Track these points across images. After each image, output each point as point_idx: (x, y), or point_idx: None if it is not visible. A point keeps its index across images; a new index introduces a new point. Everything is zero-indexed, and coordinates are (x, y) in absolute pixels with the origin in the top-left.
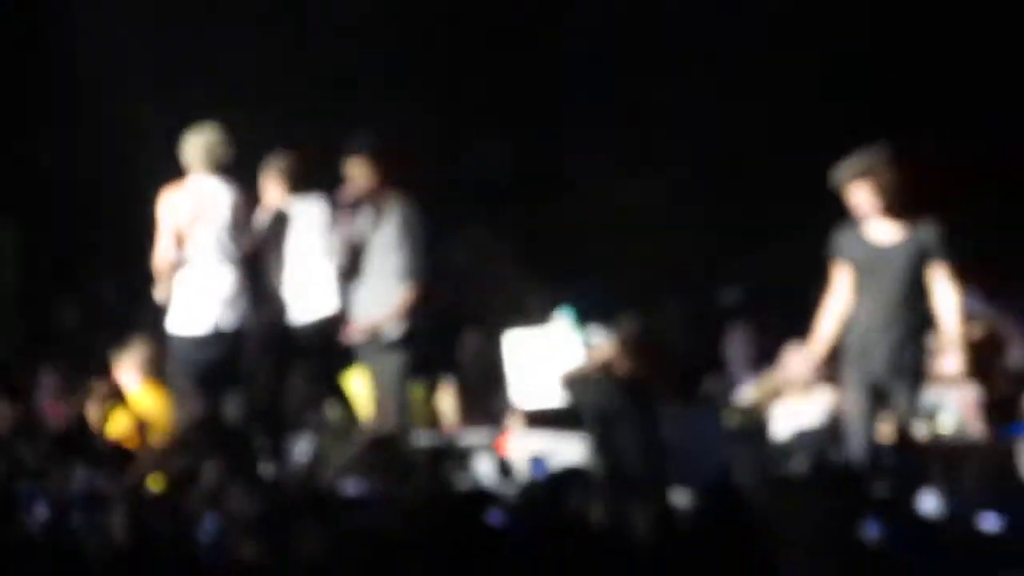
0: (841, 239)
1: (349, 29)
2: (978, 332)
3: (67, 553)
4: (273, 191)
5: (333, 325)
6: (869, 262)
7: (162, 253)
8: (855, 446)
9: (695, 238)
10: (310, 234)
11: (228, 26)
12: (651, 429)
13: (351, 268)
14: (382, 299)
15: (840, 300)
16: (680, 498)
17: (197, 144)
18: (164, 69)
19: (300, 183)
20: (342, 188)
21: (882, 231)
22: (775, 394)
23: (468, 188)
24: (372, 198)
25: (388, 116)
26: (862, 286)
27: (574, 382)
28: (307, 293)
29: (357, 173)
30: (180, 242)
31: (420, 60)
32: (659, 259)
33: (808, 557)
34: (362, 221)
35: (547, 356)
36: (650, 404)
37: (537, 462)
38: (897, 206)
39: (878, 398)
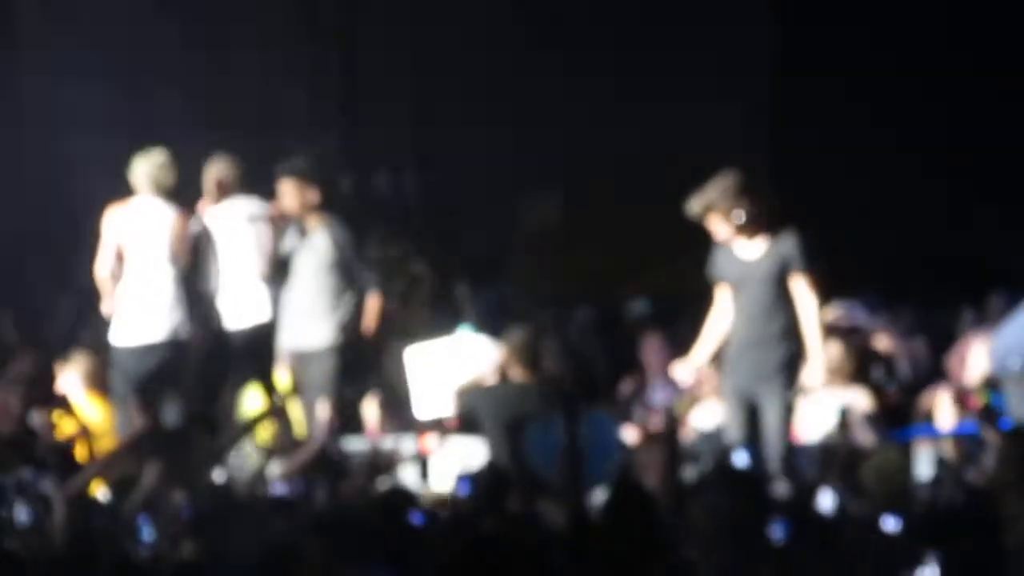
0: (717, 258)
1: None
2: (881, 342)
3: (7, 554)
4: (212, 194)
5: (267, 331)
6: (738, 278)
7: (101, 266)
8: (740, 452)
9: (603, 253)
10: (245, 240)
11: (160, 55)
12: (551, 431)
13: (273, 280)
14: (318, 315)
15: (720, 316)
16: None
17: (143, 167)
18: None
19: (236, 189)
20: (270, 203)
21: (748, 248)
22: (693, 402)
23: (377, 209)
24: (298, 217)
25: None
26: (735, 301)
27: (468, 391)
28: (241, 300)
29: (287, 192)
30: (120, 257)
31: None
32: (568, 273)
33: (712, 555)
34: (288, 238)
35: (449, 368)
36: (546, 408)
37: (463, 479)
38: (755, 225)
39: (750, 406)
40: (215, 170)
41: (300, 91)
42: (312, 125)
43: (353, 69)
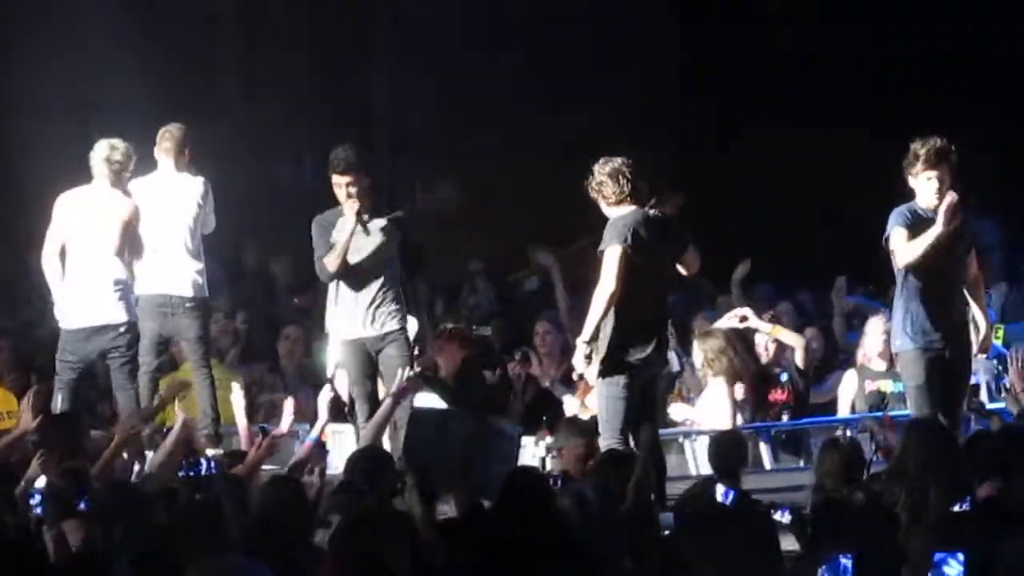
0: None
1: None
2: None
3: None
4: (162, 162)
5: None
6: None
7: (48, 253)
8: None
9: (501, 234)
10: (186, 211)
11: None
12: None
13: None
14: None
15: None
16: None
17: (98, 155)
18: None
19: (184, 158)
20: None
21: None
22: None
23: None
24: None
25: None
26: None
27: None
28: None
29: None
30: (66, 241)
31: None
32: (466, 255)
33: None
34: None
35: None
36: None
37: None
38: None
39: None
40: (181, 134)
41: (200, 77)
42: (212, 112)
43: (252, 53)
